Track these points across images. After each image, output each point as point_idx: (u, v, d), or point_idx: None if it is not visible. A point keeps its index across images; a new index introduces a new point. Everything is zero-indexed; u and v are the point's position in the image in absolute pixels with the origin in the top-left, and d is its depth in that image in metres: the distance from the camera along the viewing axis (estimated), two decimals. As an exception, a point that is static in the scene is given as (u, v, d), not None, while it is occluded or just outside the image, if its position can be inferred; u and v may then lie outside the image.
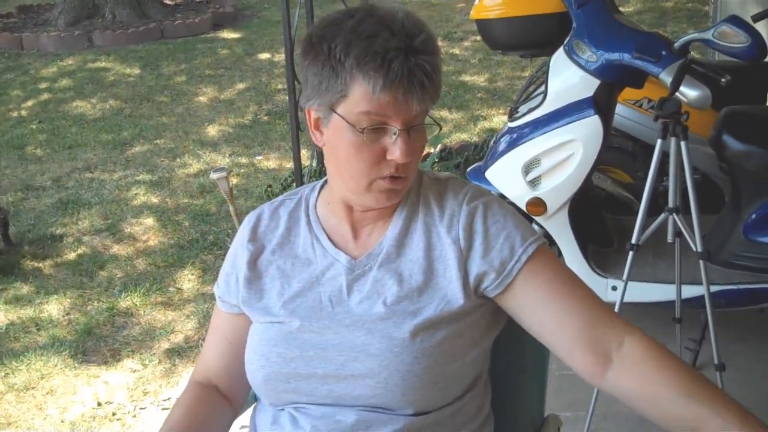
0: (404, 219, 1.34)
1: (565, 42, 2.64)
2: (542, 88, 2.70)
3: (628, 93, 2.87)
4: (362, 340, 1.26)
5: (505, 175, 2.74)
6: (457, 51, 7.28)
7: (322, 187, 1.43)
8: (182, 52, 7.87)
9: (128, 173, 5.11)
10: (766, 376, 2.77)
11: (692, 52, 2.56)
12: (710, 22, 6.06)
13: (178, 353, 3.20)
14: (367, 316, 1.28)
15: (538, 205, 2.67)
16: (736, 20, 2.37)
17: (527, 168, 2.68)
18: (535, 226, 2.71)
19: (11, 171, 5.26)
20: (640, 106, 3.09)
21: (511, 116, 2.82)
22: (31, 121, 6.23)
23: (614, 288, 2.70)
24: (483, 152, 4.18)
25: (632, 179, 3.25)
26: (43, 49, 8.24)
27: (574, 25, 2.60)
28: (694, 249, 2.34)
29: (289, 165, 4.70)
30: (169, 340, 3.31)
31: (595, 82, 2.56)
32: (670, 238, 2.49)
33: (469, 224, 1.31)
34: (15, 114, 6.42)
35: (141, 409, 2.89)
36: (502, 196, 2.69)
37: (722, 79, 2.32)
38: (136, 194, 4.77)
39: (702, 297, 2.38)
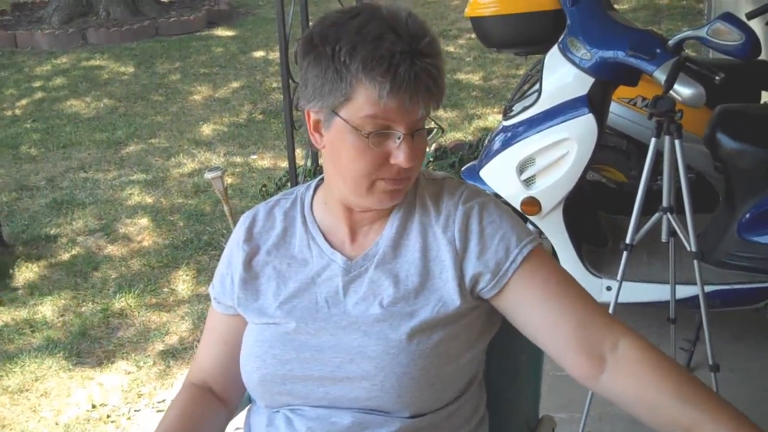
0: (400, 219, 1.34)
1: (560, 40, 2.64)
2: (537, 87, 2.69)
3: (623, 91, 2.87)
4: (358, 342, 1.26)
5: (500, 174, 2.74)
6: (451, 49, 7.27)
7: (317, 186, 1.42)
8: (177, 50, 7.86)
9: (122, 173, 5.10)
10: (760, 376, 2.78)
11: (686, 50, 2.56)
12: (704, 19, 6.06)
13: (173, 355, 3.19)
14: (364, 317, 1.28)
15: (532, 204, 2.67)
16: (730, 18, 2.37)
17: (522, 167, 2.67)
18: (530, 226, 2.70)
19: (5, 171, 5.24)
20: (635, 105, 3.09)
21: (506, 115, 2.81)
22: (25, 120, 6.21)
23: (609, 288, 2.70)
24: (478, 151, 4.18)
25: (626, 178, 3.25)
26: (37, 46, 8.22)
27: (569, 22, 2.60)
28: (689, 249, 2.34)
29: (284, 164, 4.69)
30: (163, 341, 3.30)
31: (590, 80, 2.55)
32: (664, 238, 2.49)
33: (465, 225, 1.30)
34: (9, 113, 6.40)
35: (135, 411, 2.88)
36: (497, 196, 2.69)
37: (716, 77, 2.32)
38: (130, 194, 4.76)
39: (696, 297, 2.38)
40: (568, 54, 2.58)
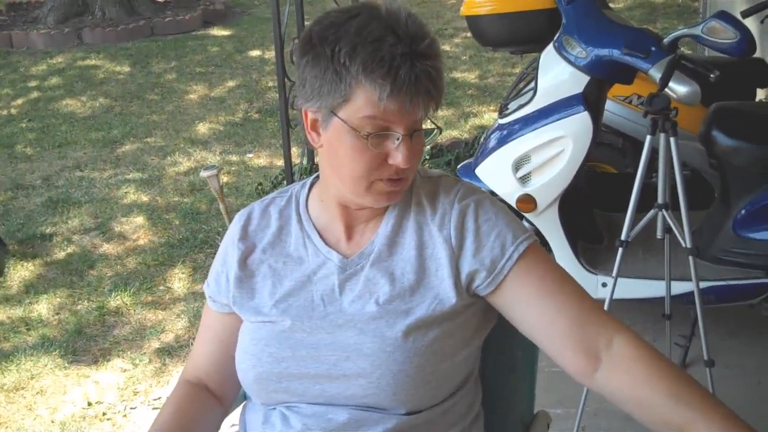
0: (396, 217, 1.34)
1: (555, 38, 2.65)
2: (532, 85, 2.70)
3: (618, 89, 2.87)
4: (354, 340, 1.26)
5: (495, 172, 2.74)
6: (447, 48, 7.28)
7: (312, 184, 1.42)
8: (172, 50, 7.86)
9: (118, 172, 5.10)
10: (755, 372, 2.78)
11: (682, 48, 2.57)
12: (700, 18, 6.07)
13: (169, 352, 3.19)
14: (360, 315, 1.28)
15: (528, 201, 2.67)
16: (725, 16, 2.37)
17: (517, 165, 2.68)
18: (525, 223, 2.71)
19: (0, 170, 5.23)
20: (630, 102, 3.09)
21: (501, 113, 2.82)
22: (21, 119, 6.20)
23: (604, 284, 2.70)
24: (474, 149, 4.18)
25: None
26: (32, 46, 8.21)
27: (564, 21, 2.60)
28: (684, 245, 2.34)
29: (280, 163, 4.69)
30: (159, 339, 3.30)
31: (585, 78, 2.56)
32: (659, 235, 2.49)
33: (461, 223, 1.31)
34: (5, 112, 6.40)
35: (131, 408, 2.88)
36: (493, 193, 2.69)
37: (711, 75, 2.32)
38: (126, 193, 4.76)
39: (691, 293, 2.38)
40: (564, 52, 2.58)
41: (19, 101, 6.64)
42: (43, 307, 3.57)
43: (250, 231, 1.40)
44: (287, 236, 1.38)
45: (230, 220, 1.46)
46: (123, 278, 3.79)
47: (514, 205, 2.68)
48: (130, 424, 2.81)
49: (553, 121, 2.60)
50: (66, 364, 3.15)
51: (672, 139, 2.30)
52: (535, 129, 2.64)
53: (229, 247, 1.41)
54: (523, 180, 2.68)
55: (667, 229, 2.45)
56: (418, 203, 1.34)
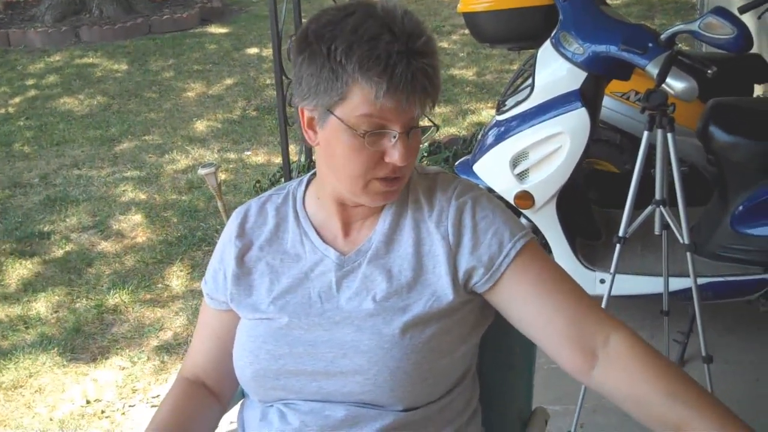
0: (393, 214, 1.34)
1: (552, 34, 2.64)
2: (529, 81, 2.70)
3: (615, 85, 2.87)
4: (351, 337, 1.26)
5: (493, 169, 2.74)
6: (445, 44, 7.27)
7: (309, 181, 1.42)
8: (170, 48, 7.85)
9: (116, 170, 5.09)
10: (753, 368, 2.78)
11: (679, 44, 2.56)
12: (697, 14, 6.07)
13: (167, 350, 3.19)
14: (357, 312, 1.28)
15: (525, 198, 2.67)
16: (722, 12, 2.37)
17: (515, 161, 2.68)
18: (523, 220, 2.71)
19: (-2, 168, 5.24)
20: (627, 99, 3.09)
21: (499, 109, 2.82)
22: (18, 117, 6.20)
23: (602, 281, 2.70)
24: (471, 146, 4.19)
25: (620, 171, 3.25)
26: (30, 45, 8.20)
27: (561, 17, 2.60)
28: (682, 241, 2.34)
29: (278, 160, 4.69)
30: (157, 337, 3.30)
31: (582, 75, 2.56)
32: (657, 231, 2.49)
33: (458, 219, 1.30)
34: (2, 111, 6.38)
35: (130, 406, 2.88)
36: (490, 190, 2.69)
37: (709, 71, 2.33)
38: (124, 191, 4.76)
39: (689, 289, 2.39)
40: (561, 49, 2.58)
41: (17, 99, 6.63)
42: (41, 305, 3.57)
43: (247, 228, 1.40)
44: (284, 233, 1.38)
45: (228, 218, 1.46)
46: (121, 276, 3.79)
47: (511, 201, 2.68)
48: (129, 421, 2.81)
49: (551, 118, 2.60)
50: (64, 362, 3.15)
51: (669, 135, 2.30)
52: (533, 125, 2.64)
53: (226, 245, 1.41)
54: (521, 176, 2.68)
55: (665, 226, 2.45)
56: (416, 200, 1.34)
